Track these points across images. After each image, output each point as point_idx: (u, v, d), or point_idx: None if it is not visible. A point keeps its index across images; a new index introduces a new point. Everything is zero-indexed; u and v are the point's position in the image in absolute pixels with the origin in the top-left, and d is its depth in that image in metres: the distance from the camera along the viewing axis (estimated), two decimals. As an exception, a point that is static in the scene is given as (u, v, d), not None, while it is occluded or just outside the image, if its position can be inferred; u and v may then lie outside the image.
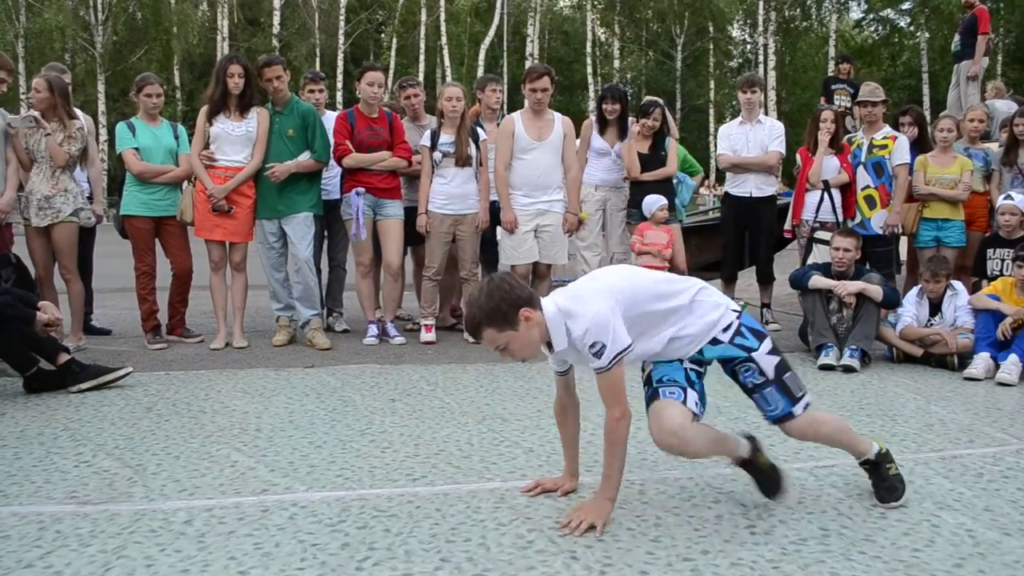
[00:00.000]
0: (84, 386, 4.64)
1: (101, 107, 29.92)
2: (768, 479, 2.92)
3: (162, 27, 32.91)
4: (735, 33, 42.03)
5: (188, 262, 6.21)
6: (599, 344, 2.61)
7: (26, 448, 3.65)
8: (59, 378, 4.69)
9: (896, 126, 7.09)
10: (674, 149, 6.80)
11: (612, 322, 2.61)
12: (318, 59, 33.19)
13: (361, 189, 5.97)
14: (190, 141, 6.15)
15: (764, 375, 2.78)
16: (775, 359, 2.80)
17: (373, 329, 6.18)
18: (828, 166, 6.64)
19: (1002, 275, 5.74)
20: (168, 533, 2.67)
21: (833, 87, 11.45)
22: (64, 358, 4.72)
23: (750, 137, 6.92)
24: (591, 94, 35.58)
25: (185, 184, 6.19)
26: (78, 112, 6.06)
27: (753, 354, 2.78)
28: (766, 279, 7.05)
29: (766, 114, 7.54)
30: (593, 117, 7.07)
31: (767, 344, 2.81)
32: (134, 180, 6.05)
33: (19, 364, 4.66)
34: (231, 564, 2.46)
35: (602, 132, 6.81)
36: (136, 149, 6.02)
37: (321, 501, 2.95)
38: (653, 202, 6.45)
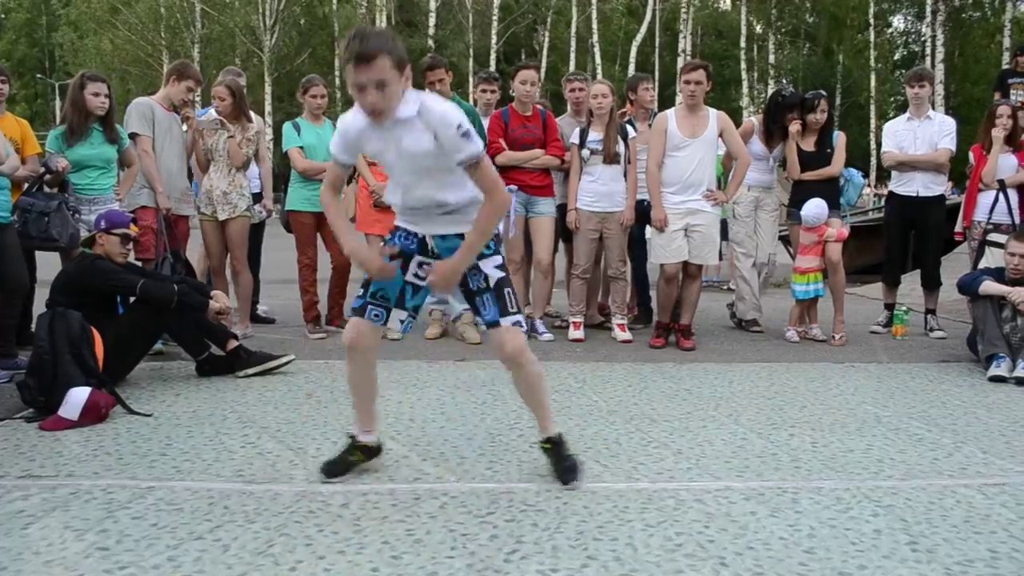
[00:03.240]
0: (250, 371, 4.91)
1: (268, 108, 31.52)
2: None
3: (326, 31, 34.40)
4: (899, 24, 40.01)
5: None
6: (464, 126, 2.70)
7: (198, 428, 3.90)
8: (228, 363, 4.98)
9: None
10: (842, 145, 6.56)
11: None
12: (471, 58, 33.83)
13: (513, 187, 6.04)
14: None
15: (487, 282, 2.98)
16: (500, 274, 3.00)
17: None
18: (1004, 164, 6.28)
19: None
20: (326, 515, 2.79)
21: (1009, 81, 10.73)
22: (233, 344, 5.02)
23: (918, 134, 6.60)
24: (745, 90, 34.75)
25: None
26: (253, 115, 6.40)
27: (481, 262, 2.96)
28: (932, 283, 6.70)
29: (933, 109, 7.15)
30: (757, 121, 6.89)
31: (498, 258, 3.01)
32: (298, 177, 6.34)
33: (193, 349, 4.98)
34: (384, 548, 2.54)
35: (769, 139, 6.67)
36: (301, 147, 6.31)
37: (471, 492, 3.01)
38: (812, 215, 6.24)
